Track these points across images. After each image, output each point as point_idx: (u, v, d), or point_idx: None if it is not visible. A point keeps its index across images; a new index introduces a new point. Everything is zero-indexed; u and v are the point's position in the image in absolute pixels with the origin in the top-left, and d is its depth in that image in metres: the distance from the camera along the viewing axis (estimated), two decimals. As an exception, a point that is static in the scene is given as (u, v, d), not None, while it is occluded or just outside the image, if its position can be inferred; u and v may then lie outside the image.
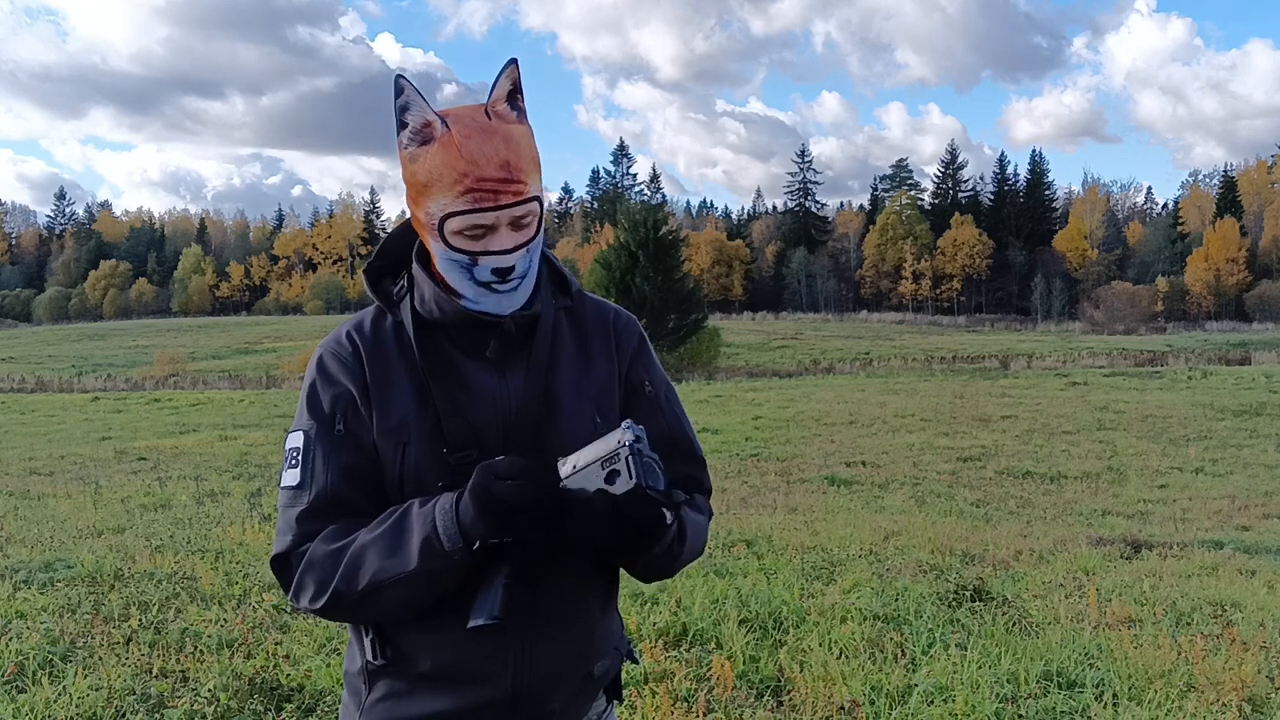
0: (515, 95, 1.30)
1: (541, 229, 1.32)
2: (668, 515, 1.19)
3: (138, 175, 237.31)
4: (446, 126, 1.25)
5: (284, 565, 1.30)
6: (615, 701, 1.49)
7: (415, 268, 1.36)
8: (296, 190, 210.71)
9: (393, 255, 1.41)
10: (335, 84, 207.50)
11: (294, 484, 1.31)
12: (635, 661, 1.54)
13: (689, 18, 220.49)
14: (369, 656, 1.34)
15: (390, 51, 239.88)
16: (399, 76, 1.27)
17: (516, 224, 1.27)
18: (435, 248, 1.30)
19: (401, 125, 1.27)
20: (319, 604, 1.26)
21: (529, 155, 1.27)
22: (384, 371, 1.33)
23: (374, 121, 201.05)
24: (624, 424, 1.18)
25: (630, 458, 1.15)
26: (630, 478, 1.14)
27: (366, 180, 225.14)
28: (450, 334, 1.34)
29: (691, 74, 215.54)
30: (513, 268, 1.29)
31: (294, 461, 1.32)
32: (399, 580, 1.21)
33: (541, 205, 1.30)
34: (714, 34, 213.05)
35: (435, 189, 1.25)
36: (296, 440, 1.33)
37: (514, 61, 1.30)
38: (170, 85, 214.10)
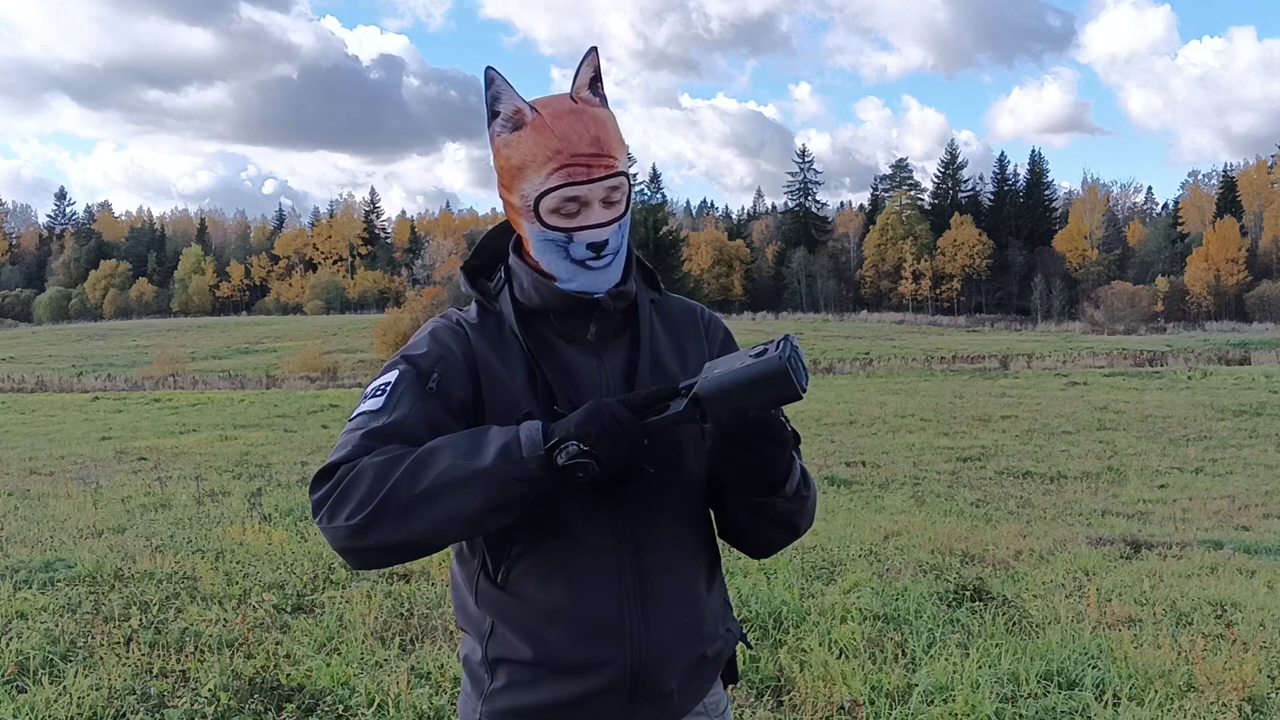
0: (596, 82, 1.34)
1: (630, 207, 1.35)
2: (787, 421, 1.21)
3: (100, 175, 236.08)
4: (536, 112, 1.30)
5: (328, 478, 1.23)
6: (731, 684, 1.50)
7: (513, 258, 1.40)
8: (268, 186, 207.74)
9: (488, 254, 1.45)
10: (298, 74, 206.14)
11: (374, 409, 1.29)
12: (749, 645, 1.56)
13: (658, 10, 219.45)
14: (484, 572, 1.34)
15: (349, 37, 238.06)
16: (489, 68, 1.32)
17: (608, 200, 1.31)
18: (530, 230, 1.33)
19: (493, 115, 1.32)
20: (362, 514, 1.19)
21: (615, 134, 1.32)
22: (493, 357, 1.35)
23: (342, 112, 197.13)
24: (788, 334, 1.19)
25: (783, 343, 1.14)
26: (775, 352, 1.13)
27: (339, 176, 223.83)
28: (550, 320, 1.36)
29: (663, 64, 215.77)
30: (606, 242, 1.31)
31: (380, 393, 1.31)
32: (466, 478, 1.18)
33: (629, 182, 1.33)
34: (689, 24, 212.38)
35: (529, 170, 1.29)
36: (388, 378, 1.32)
37: (594, 50, 1.34)
38: (128, 77, 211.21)
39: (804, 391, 1.13)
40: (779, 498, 1.31)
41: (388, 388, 1.31)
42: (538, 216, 1.30)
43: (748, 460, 1.26)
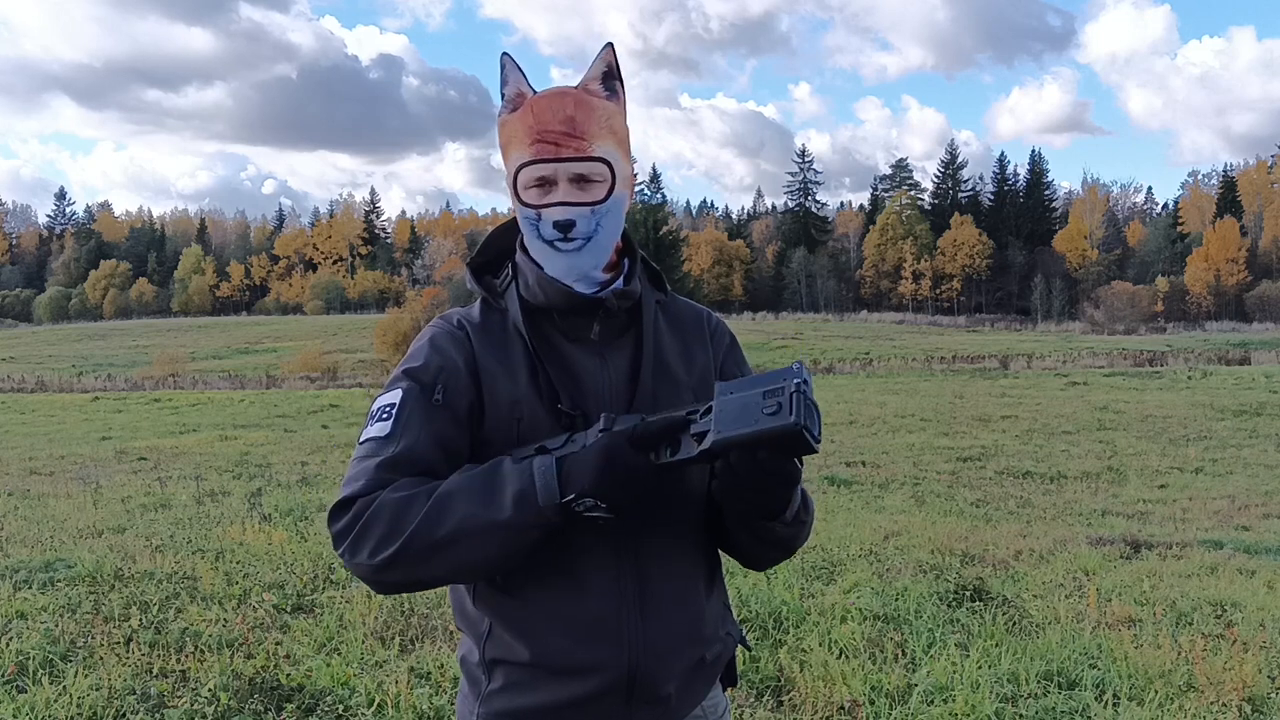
0: (610, 77, 1.35)
1: (612, 196, 1.33)
2: (799, 462, 1.21)
3: (99, 175, 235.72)
4: (534, 93, 1.34)
5: (346, 512, 1.25)
6: (730, 687, 1.50)
7: (519, 255, 1.40)
8: (268, 186, 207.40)
9: (493, 251, 1.46)
10: (298, 74, 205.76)
11: (383, 435, 1.29)
12: (748, 648, 1.55)
13: (657, 9, 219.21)
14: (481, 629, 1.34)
15: (348, 37, 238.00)
16: (504, 55, 1.35)
17: (581, 182, 1.31)
18: (516, 209, 1.35)
19: (502, 98, 1.37)
20: (383, 554, 1.21)
21: (601, 122, 1.32)
22: (494, 356, 1.35)
23: (342, 112, 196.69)
24: (796, 363, 1.14)
25: (795, 395, 1.08)
26: (790, 414, 1.07)
27: (338, 176, 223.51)
28: (554, 318, 1.37)
29: (662, 64, 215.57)
30: (573, 223, 1.31)
31: (386, 416, 1.31)
32: (486, 529, 1.19)
33: (613, 171, 1.33)
34: (688, 24, 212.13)
35: (512, 146, 1.33)
36: (392, 398, 1.32)
37: (609, 45, 1.36)
38: (128, 77, 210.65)
39: (818, 445, 1.11)
40: (779, 523, 1.31)
41: (394, 410, 1.31)
42: (517, 194, 1.33)
43: (754, 497, 1.25)
